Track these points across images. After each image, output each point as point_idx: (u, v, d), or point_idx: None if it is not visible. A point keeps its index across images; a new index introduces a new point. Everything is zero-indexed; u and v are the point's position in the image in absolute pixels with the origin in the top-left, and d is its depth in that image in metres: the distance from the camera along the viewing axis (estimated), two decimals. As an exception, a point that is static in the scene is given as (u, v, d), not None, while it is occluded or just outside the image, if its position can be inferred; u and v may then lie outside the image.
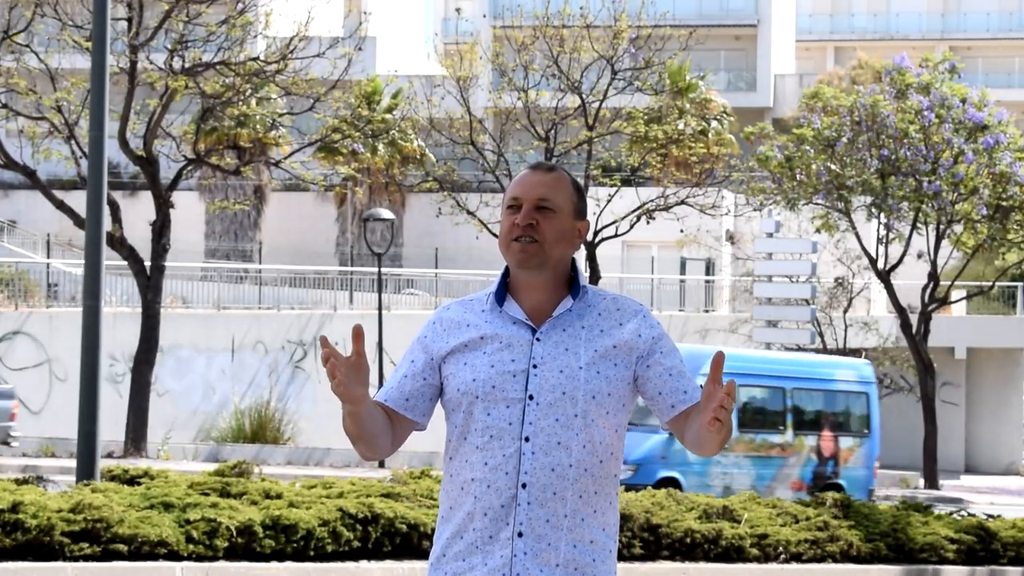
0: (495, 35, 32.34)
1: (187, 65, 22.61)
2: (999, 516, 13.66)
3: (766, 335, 27.84)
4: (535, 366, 3.79)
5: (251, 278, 36.47)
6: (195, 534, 10.17)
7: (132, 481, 11.74)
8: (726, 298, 36.64)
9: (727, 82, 53.27)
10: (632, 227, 26.05)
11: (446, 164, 28.47)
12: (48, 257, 35.17)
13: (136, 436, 22.14)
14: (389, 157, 40.39)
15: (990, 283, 33.46)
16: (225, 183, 39.07)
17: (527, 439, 3.77)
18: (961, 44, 65.70)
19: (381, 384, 17.32)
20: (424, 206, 34.45)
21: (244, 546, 10.41)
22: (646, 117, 27.15)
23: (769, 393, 21.36)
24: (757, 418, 21.29)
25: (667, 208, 26.00)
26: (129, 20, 22.42)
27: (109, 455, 20.25)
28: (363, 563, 10.85)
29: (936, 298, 29.40)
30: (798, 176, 28.94)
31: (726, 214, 30.30)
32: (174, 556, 10.11)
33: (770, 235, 27.85)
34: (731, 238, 33.57)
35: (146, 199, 26.28)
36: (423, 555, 10.94)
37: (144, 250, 22.67)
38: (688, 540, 11.73)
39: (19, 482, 11.00)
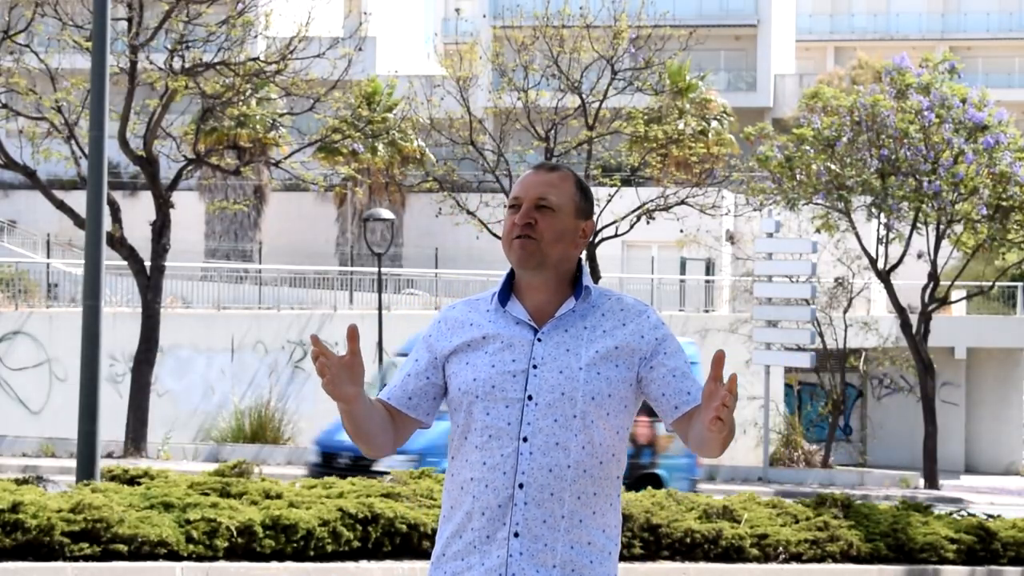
0: (495, 35, 32.34)
1: (187, 65, 22.61)
2: (999, 516, 13.66)
3: (766, 335, 27.84)
4: (535, 366, 3.79)
5: (251, 278, 36.47)
6: (195, 534, 10.17)
7: (132, 481, 11.74)
8: (726, 298, 36.65)
9: (727, 82, 53.26)
10: (632, 227, 26.05)
11: (446, 164, 28.48)
12: (48, 257, 35.17)
13: (136, 436, 22.14)
14: (389, 157, 40.39)
15: (990, 283, 33.46)
16: (225, 183, 39.07)
17: (525, 439, 3.77)
18: (961, 44, 65.67)
19: (383, 385, 17.35)
20: (424, 206, 34.45)
21: (244, 546, 10.42)
22: (646, 117, 27.16)
23: None
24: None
25: (667, 208, 26.01)
26: (129, 20, 22.42)
27: (109, 455, 20.25)
28: (363, 563, 10.85)
29: (936, 298, 29.39)
30: (798, 176, 28.93)
31: (726, 214, 30.31)
32: (174, 556, 10.11)
33: (770, 235, 27.86)
34: (731, 238, 33.58)
35: (146, 199, 26.29)
36: (423, 555, 10.94)
37: (144, 250, 22.67)
38: (688, 540, 11.73)
39: (19, 482, 11.00)
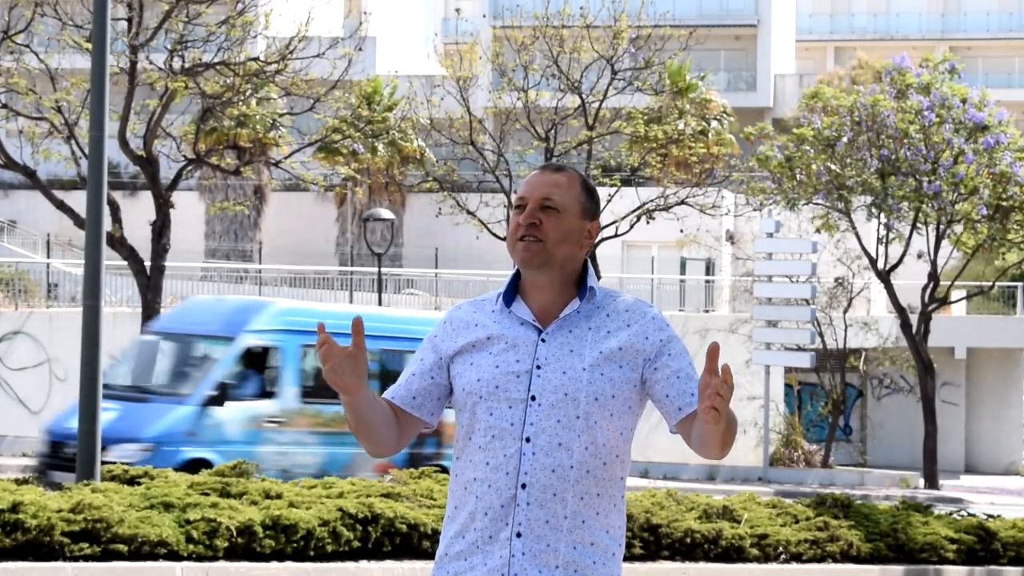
0: (495, 35, 32.33)
1: (187, 65, 22.61)
2: (999, 516, 13.66)
3: (766, 335, 27.84)
4: (539, 367, 3.79)
5: (251, 278, 36.45)
6: (195, 534, 10.17)
7: (132, 481, 11.75)
8: (726, 298, 36.65)
9: (727, 82, 53.25)
10: (632, 227, 26.05)
11: (446, 164, 28.47)
12: (48, 257, 35.16)
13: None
14: (389, 157, 40.39)
15: (990, 283, 33.46)
16: (225, 183, 39.07)
17: (528, 440, 3.77)
18: (961, 44, 65.67)
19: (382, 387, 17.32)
20: (424, 206, 34.44)
21: (244, 546, 10.42)
22: (646, 117, 27.17)
23: None
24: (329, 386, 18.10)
25: (667, 208, 26.01)
26: (129, 20, 22.42)
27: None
28: (363, 563, 10.85)
29: (936, 298, 29.39)
30: (798, 176, 28.93)
31: (726, 214, 30.31)
32: (174, 556, 10.11)
33: (770, 235, 27.86)
34: (731, 238, 33.58)
35: (146, 199, 26.28)
36: (423, 555, 10.95)
37: (144, 250, 22.67)
38: (688, 540, 11.73)
39: (19, 482, 11.00)
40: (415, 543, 10.98)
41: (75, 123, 22.56)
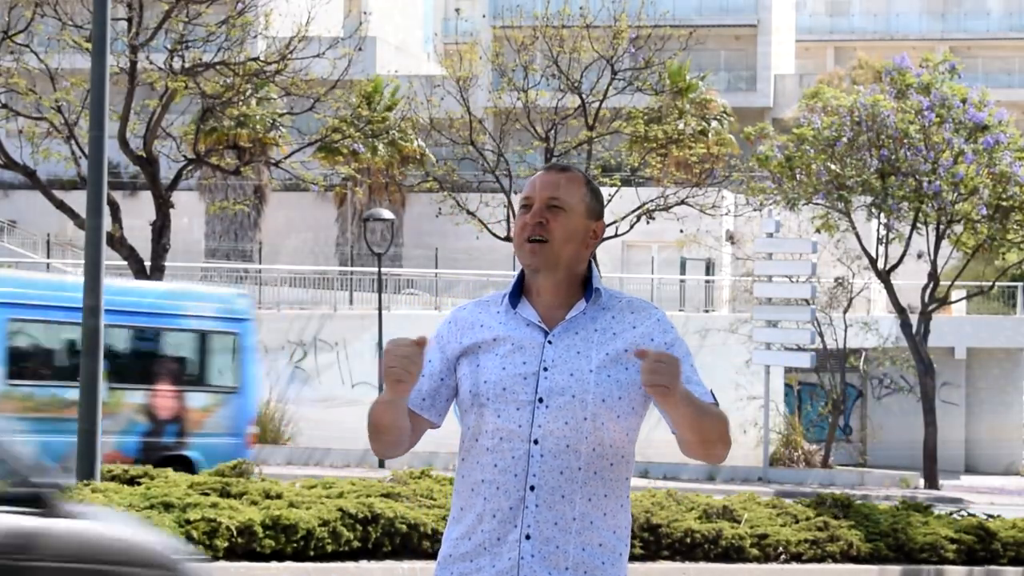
0: (495, 35, 32.32)
1: (187, 65, 22.62)
2: (999, 516, 13.66)
3: (766, 335, 27.83)
4: (546, 369, 3.79)
5: (251, 278, 36.45)
6: (195, 534, 10.17)
7: (132, 481, 11.75)
8: (726, 298, 36.64)
9: (727, 82, 53.24)
10: (632, 227, 26.04)
11: (446, 164, 28.47)
12: (48, 257, 35.14)
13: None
14: (389, 157, 40.39)
15: (990, 283, 33.45)
16: (225, 183, 39.06)
17: (536, 441, 3.77)
18: (961, 44, 65.67)
19: (382, 385, 17.33)
20: (424, 206, 34.43)
21: (244, 546, 10.42)
22: (646, 117, 27.17)
23: (65, 330, 15.60)
24: (44, 365, 16.02)
25: (667, 208, 26.00)
26: (129, 20, 22.43)
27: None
28: (363, 563, 10.86)
29: (936, 298, 29.38)
30: (798, 176, 28.92)
31: (726, 214, 30.29)
32: (174, 556, 10.11)
33: (770, 235, 27.85)
34: (731, 238, 33.58)
35: (146, 199, 26.29)
36: (423, 555, 10.94)
37: (144, 250, 22.67)
38: (688, 540, 11.74)
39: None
40: (415, 543, 10.98)
41: (75, 123, 22.57)
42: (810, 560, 12.09)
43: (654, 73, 26.83)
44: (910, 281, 31.90)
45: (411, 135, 38.31)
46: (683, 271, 38.13)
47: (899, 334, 30.06)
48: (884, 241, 29.60)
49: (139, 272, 22.39)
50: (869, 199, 28.61)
